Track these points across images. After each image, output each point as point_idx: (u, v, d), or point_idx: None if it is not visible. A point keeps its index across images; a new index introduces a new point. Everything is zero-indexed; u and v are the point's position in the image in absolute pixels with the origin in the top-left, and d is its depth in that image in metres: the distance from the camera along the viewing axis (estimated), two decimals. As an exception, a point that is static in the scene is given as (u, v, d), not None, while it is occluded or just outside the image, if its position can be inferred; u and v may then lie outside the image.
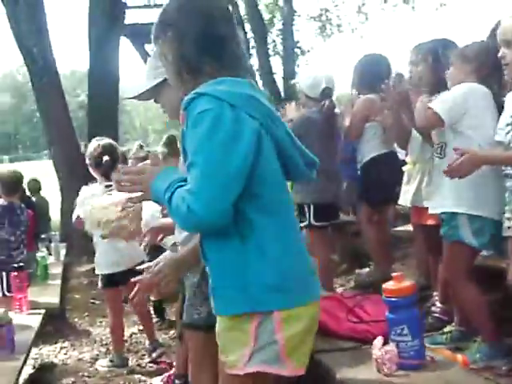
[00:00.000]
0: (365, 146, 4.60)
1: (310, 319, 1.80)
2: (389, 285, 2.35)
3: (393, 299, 2.32)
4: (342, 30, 21.22)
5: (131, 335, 4.98)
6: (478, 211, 2.96)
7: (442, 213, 3.11)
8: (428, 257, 4.00)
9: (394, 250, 5.32)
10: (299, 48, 18.44)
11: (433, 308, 3.69)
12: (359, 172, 4.77)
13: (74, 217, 4.40)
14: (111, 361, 4.41)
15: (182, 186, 1.73)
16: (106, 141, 4.52)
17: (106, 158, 4.28)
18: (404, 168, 4.01)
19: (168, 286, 2.34)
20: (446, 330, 3.42)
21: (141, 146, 6.85)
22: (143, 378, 4.19)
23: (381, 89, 3.75)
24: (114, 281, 4.38)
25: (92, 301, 6.52)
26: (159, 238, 2.73)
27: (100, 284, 4.48)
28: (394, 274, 2.38)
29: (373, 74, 4.53)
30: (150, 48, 12.56)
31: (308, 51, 19.55)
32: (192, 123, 1.73)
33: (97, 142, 4.46)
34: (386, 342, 2.33)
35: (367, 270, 5.05)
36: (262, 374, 1.78)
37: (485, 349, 3.02)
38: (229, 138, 1.69)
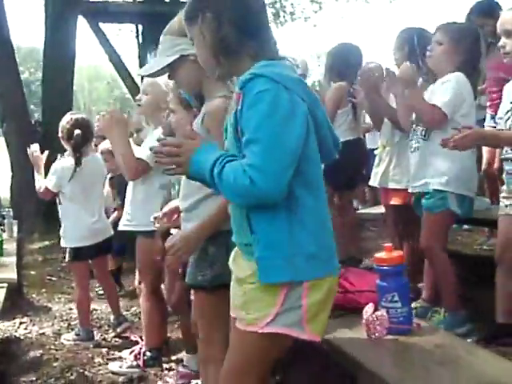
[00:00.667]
0: (336, 132, 4.71)
1: (329, 289, 1.90)
2: (380, 254, 2.47)
3: (384, 268, 2.43)
4: (295, 18, 21.31)
5: (92, 311, 4.98)
6: (463, 191, 3.25)
7: (425, 190, 3.33)
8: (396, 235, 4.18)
9: (363, 231, 5.48)
10: (253, 34, 18.49)
11: None
12: None
13: (40, 186, 4.38)
14: (77, 334, 4.41)
15: (232, 160, 1.79)
16: (79, 115, 4.53)
17: (77, 131, 4.28)
18: (376, 151, 4.15)
19: (181, 258, 2.47)
20: (413, 305, 3.60)
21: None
22: (111, 351, 4.21)
23: (354, 76, 3.96)
24: (81, 254, 4.38)
25: (49, 277, 6.48)
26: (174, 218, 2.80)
27: (67, 257, 4.46)
28: (385, 245, 2.49)
29: (345, 62, 4.65)
30: (105, 27, 12.40)
31: (261, 38, 19.61)
32: (250, 102, 1.78)
33: (70, 116, 4.45)
34: (376, 309, 2.43)
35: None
36: (279, 337, 1.86)
37: (448, 318, 3.25)
38: (287, 117, 1.76)
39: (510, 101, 3.11)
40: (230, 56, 1.93)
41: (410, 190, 3.54)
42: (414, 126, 3.46)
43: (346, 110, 4.67)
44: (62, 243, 4.49)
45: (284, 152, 1.75)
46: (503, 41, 3.07)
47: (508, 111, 3.11)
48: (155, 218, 2.94)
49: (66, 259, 4.53)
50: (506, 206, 3.13)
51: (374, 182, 4.11)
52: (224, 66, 1.96)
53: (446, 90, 3.27)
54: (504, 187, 3.16)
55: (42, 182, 4.39)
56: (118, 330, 4.50)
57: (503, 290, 3.20)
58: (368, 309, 2.44)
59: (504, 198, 3.16)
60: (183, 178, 2.56)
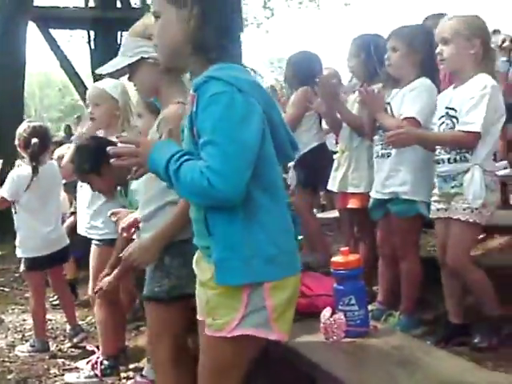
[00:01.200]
0: (303, 136, 4.74)
1: (293, 288, 1.93)
2: (337, 258, 2.50)
3: (341, 271, 2.46)
4: (247, 24, 21.41)
5: (47, 321, 4.90)
6: (427, 198, 3.34)
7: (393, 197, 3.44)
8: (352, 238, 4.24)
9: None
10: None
11: None
12: (298, 160, 4.94)
13: None
14: (32, 346, 4.35)
15: (189, 159, 1.79)
16: (37, 123, 4.49)
17: (34, 140, 4.23)
18: (335, 156, 4.19)
19: (139, 268, 2.49)
20: (369, 308, 3.66)
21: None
22: (67, 361, 4.16)
23: (315, 84, 4.00)
24: (37, 264, 4.32)
25: (1, 288, 6.37)
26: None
27: (22, 267, 4.40)
28: (341, 249, 2.52)
29: (306, 70, 4.66)
30: (56, 33, 12.24)
31: (214, 44, 19.63)
32: (205, 104, 1.78)
33: (27, 124, 4.41)
34: (333, 313, 2.46)
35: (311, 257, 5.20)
36: (248, 338, 1.87)
37: (403, 320, 3.33)
38: (243, 119, 1.76)
39: (444, 106, 3.21)
40: (204, 55, 1.91)
41: (374, 196, 3.58)
42: (380, 132, 3.51)
43: (313, 113, 4.70)
44: (18, 253, 4.42)
45: (241, 154, 1.75)
46: (440, 48, 3.17)
47: (442, 117, 3.21)
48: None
49: (21, 269, 4.47)
50: (438, 209, 3.22)
51: (332, 186, 4.14)
52: (196, 63, 1.94)
53: (416, 97, 3.36)
54: (435, 190, 3.24)
55: None
56: (75, 340, 4.45)
57: (448, 291, 3.29)
58: (326, 312, 2.47)
59: (435, 201, 3.24)
60: (142, 185, 2.56)
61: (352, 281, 2.46)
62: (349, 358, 2.26)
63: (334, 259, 2.52)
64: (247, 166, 1.77)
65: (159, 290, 2.47)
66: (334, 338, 2.40)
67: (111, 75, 2.69)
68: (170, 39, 1.96)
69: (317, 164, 4.53)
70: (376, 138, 3.58)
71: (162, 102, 2.57)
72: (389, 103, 3.49)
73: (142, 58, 2.48)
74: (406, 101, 3.37)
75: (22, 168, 4.38)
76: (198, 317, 2.08)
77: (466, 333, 3.19)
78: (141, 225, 2.60)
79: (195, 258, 2.08)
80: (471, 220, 3.06)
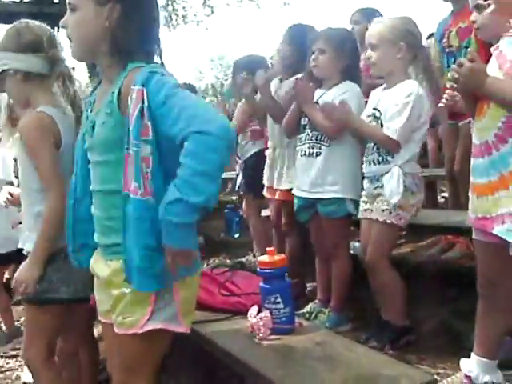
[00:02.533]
0: (245, 144, 4.82)
1: (196, 286, 2.06)
2: (263, 258, 2.55)
3: (267, 270, 2.51)
4: (187, 22, 21.30)
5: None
6: (356, 196, 3.42)
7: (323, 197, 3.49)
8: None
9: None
10: (144, 37, 18.33)
11: None
12: (242, 166, 4.99)
13: None
14: None
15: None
16: None
17: None
18: (266, 152, 4.24)
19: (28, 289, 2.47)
20: (309, 308, 3.73)
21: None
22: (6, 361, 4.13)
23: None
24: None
25: None
26: None
27: None
28: (267, 249, 2.57)
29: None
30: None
31: (153, 41, 19.45)
32: (155, 87, 1.81)
33: None
34: (259, 311, 2.51)
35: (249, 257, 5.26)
36: (158, 333, 1.94)
37: (333, 317, 3.41)
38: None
39: (373, 107, 3.29)
40: (125, 54, 1.93)
41: (300, 195, 3.62)
42: (308, 130, 3.57)
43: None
44: None
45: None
46: (369, 53, 3.26)
47: (368, 116, 3.30)
48: None
49: None
50: (365, 210, 3.30)
51: (269, 182, 4.18)
52: (116, 63, 1.95)
53: (347, 100, 3.40)
54: (364, 192, 3.33)
55: None
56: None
57: (372, 290, 3.37)
58: (252, 310, 2.52)
59: (363, 201, 3.33)
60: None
61: (277, 279, 2.51)
62: (274, 356, 2.31)
63: (259, 258, 2.57)
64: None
65: (33, 293, 2.52)
66: (261, 335, 2.45)
67: None
68: (85, 35, 1.95)
69: (257, 169, 4.57)
70: (302, 136, 3.61)
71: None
72: (316, 103, 3.55)
73: (3, 70, 2.53)
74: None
75: None
76: (101, 319, 2.13)
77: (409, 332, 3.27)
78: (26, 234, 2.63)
79: (93, 258, 2.11)
80: (388, 221, 3.15)
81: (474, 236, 2.50)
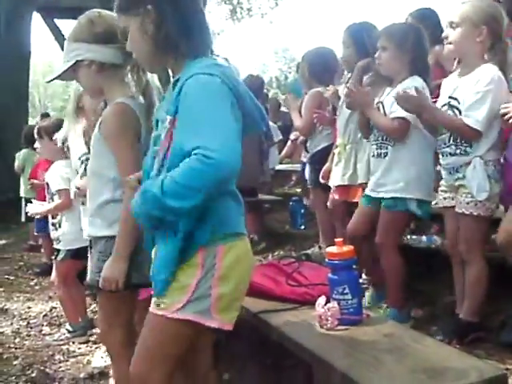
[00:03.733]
0: (317, 136, 4.81)
1: (236, 283, 2.03)
2: (331, 249, 2.57)
3: (335, 262, 2.54)
4: (252, 15, 21.42)
5: (51, 309, 5.01)
6: (423, 196, 3.42)
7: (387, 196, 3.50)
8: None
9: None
10: (210, 30, 18.49)
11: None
12: (310, 160, 4.98)
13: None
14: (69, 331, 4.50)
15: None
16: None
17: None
18: (335, 150, 4.24)
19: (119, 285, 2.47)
20: (367, 295, 3.75)
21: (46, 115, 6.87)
22: (71, 348, 4.24)
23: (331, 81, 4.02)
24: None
25: (6, 277, 6.45)
26: None
27: (62, 257, 4.39)
28: (336, 240, 2.60)
29: (323, 67, 4.73)
30: (61, 23, 12.26)
31: (218, 34, 19.63)
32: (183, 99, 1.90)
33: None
34: (327, 301, 2.54)
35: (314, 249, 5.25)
36: (188, 323, 1.98)
37: (391, 313, 3.40)
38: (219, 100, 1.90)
39: (448, 95, 3.23)
40: (167, 51, 2.02)
41: (371, 195, 3.62)
42: (375, 131, 3.56)
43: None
44: (63, 245, 4.40)
45: (225, 124, 1.87)
46: (447, 31, 3.21)
47: (444, 105, 3.23)
48: None
49: (60, 258, 4.42)
50: (445, 198, 3.30)
51: (340, 181, 4.19)
52: (160, 60, 2.07)
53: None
54: (442, 181, 3.33)
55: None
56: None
57: (459, 284, 3.35)
58: (320, 301, 2.55)
59: (442, 191, 3.33)
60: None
61: (346, 270, 2.53)
62: (342, 346, 2.33)
63: (328, 249, 2.59)
64: (233, 132, 1.88)
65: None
66: (328, 325, 2.47)
67: (62, 79, 2.75)
68: (141, 51, 2.09)
69: (325, 162, 4.61)
70: (371, 137, 3.62)
71: (108, 102, 2.64)
72: (381, 102, 3.53)
73: (77, 61, 2.55)
74: None
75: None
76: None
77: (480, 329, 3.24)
78: (89, 219, 2.67)
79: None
80: (475, 213, 3.10)
81: None
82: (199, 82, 1.89)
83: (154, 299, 2.05)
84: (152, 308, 2.04)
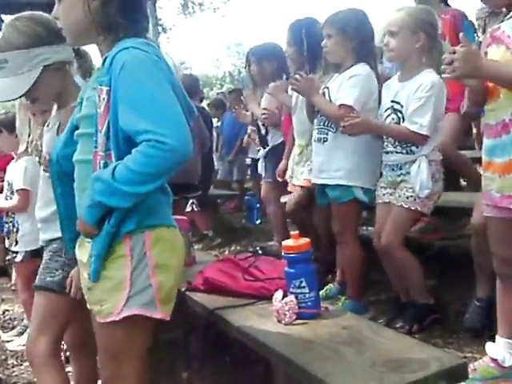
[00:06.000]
0: (272, 131, 4.79)
1: (175, 273, 2.02)
2: (287, 242, 2.53)
3: (292, 255, 2.49)
4: (203, 9, 21.32)
5: (4, 312, 4.88)
6: (366, 184, 3.46)
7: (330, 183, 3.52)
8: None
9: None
10: (161, 25, 18.35)
11: None
12: (269, 153, 4.94)
13: None
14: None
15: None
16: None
17: None
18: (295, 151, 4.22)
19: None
20: (326, 288, 3.75)
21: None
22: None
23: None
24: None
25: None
26: None
27: (22, 258, 4.25)
28: (292, 233, 2.55)
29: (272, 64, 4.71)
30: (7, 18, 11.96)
31: (170, 29, 19.51)
32: (120, 74, 1.84)
33: None
34: (285, 295, 2.50)
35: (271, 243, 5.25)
36: (138, 318, 1.93)
37: (350, 305, 3.41)
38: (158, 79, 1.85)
39: (390, 99, 3.27)
40: (106, 33, 1.98)
41: (314, 181, 3.63)
42: (319, 116, 3.55)
43: None
44: (21, 247, 4.28)
45: (169, 104, 1.84)
46: (387, 39, 3.27)
47: (387, 109, 3.27)
48: None
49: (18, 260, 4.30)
50: (384, 194, 3.35)
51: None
52: (91, 39, 2.04)
53: (354, 85, 3.40)
54: (383, 178, 3.38)
55: None
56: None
57: (389, 274, 3.40)
58: (277, 295, 2.50)
59: (382, 187, 3.37)
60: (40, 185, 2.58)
61: (302, 264, 2.48)
62: (301, 340, 2.28)
63: (284, 243, 2.55)
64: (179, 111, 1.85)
65: (51, 280, 2.52)
66: (286, 320, 2.43)
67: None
68: (74, 21, 2.01)
69: (281, 157, 4.60)
70: (315, 121, 3.60)
71: (60, 104, 2.59)
72: (327, 87, 3.52)
73: (45, 66, 2.44)
74: (344, 87, 3.41)
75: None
76: (89, 306, 2.11)
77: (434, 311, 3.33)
78: (39, 225, 2.63)
79: (78, 241, 2.11)
80: (413, 207, 3.17)
81: (486, 214, 2.49)
82: (136, 58, 1.85)
83: (94, 308, 2.00)
84: (98, 318, 1.98)
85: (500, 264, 2.51)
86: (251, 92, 5.14)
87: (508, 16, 2.36)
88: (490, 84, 2.38)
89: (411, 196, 3.18)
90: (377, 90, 3.47)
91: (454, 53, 2.25)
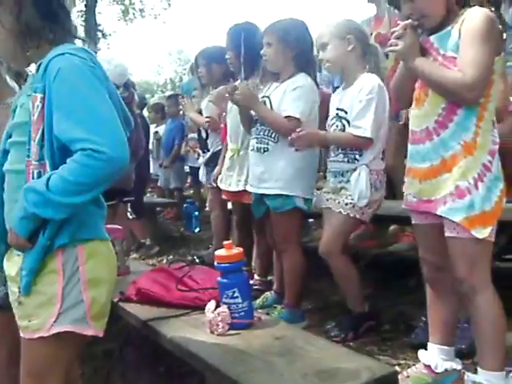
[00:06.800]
0: (213, 137, 4.76)
1: (107, 289, 1.96)
2: (220, 252, 2.50)
3: (224, 265, 2.46)
4: (144, 15, 21.18)
5: None
6: (305, 194, 3.44)
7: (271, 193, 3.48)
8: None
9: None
10: (101, 31, 18.13)
11: (251, 282, 4.00)
12: (210, 159, 4.92)
13: None
14: None
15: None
16: None
17: None
18: (226, 155, 4.20)
19: None
20: (262, 296, 3.74)
21: None
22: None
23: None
24: None
25: None
26: None
27: None
28: (224, 243, 2.52)
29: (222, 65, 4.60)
30: None
31: (110, 35, 19.29)
32: (55, 80, 1.77)
33: None
34: (217, 306, 2.46)
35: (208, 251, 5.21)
36: (68, 335, 1.86)
37: (287, 314, 3.40)
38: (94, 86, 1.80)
39: (335, 107, 3.29)
40: (32, 41, 1.90)
41: (252, 191, 3.61)
42: (258, 125, 3.52)
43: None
44: None
45: (105, 111, 1.79)
46: (321, 54, 3.32)
47: (333, 118, 3.29)
48: None
49: None
50: (328, 199, 3.33)
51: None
52: (25, 52, 1.93)
53: (299, 97, 3.38)
54: (326, 183, 3.40)
55: None
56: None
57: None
58: (210, 306, 2.47)
59: (325, 192, 3.37)
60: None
61: (235, 274, 2.46)
62: (233, 352, 2.25)
63: (216, 253, 2.52)
64: (115, 119, 1.79)
65: None
66: (219, 331, 2.40)
67: None
68: (3, 46, 1.95)
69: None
70: (253, 130, 3.58)
71: None
72: (268, 97, 3.51)
73: None
74: (289, 99, 3.39)
75: None
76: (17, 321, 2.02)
77: (369, 319, 3.33)
78: None
79: (7, 254, 2.03)
80: (351, 215, 3.19)
81: (413, 221, 2.52)
82: (72, 64, 1.79)
83: (22, 323, 1.92)
84: (24, 334, 1.91)
85: (429, 270, 2.54)
86: (199, 94, 5.13)
87: (435, 30, 2.39)
88: (417, 91, 2.42)
89: (350, 203, 3.19)
90: (317, 102, 3.47)
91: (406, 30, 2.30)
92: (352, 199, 3.18)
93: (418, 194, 2.42)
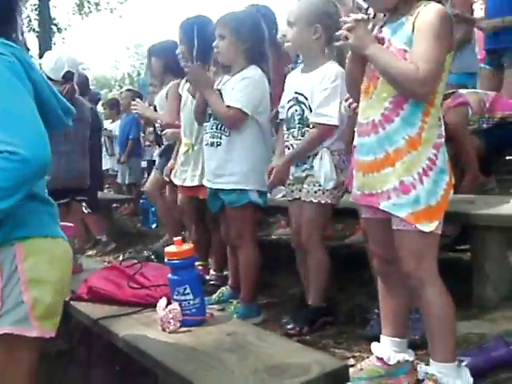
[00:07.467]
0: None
1: (52, 289, 1.88)
2: (170, 248, 2.46)
3: (175, 261, 2.43)
4: (100, 9, 20.90)
5: None
6: (259, 187, 3.43)
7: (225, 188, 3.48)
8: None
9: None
10: (56, 25, 17.85)
11: (207, 277, 3.98)
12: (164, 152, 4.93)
13: None
14: None
15: None
16: None
17: None
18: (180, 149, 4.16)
19: None
20: (218, 292, 3.72)
21: None
22: None
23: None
24: None
25: None
26: None
27: None
28: (174, 239, 2.49)
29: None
30: None
31: (65, 29, 19.01)
32: None
33: None
34: (169, 303, 2.43)
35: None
36: (14, 338, 1.80)
37: (243, 309, 3.39)
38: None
39: (294, 90, 3.26)
40: None
41: (206, 185, 3.59)
42: (212, 119, 3.49)
43: None
44: None
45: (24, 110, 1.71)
46: (286, 29, 3.28)
47: (290, 100, 3.26)
48: None
49: None
50: (292, 191, 3.34)
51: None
52: None
53: (245, 87, 3.34)
54: (290, 177, 3.36)
55: None
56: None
57: (306, 273, 3.36)
58: (161, 303, 2.44)
59: (289, 184, 3.36)
60: None
61: (186, 270, 2.43)
62: (185, 349, 2.22)
63: (167, 249, 2.48)
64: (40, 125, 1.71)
65: None
66: (171, 328, 2.37)
67: None
68: None
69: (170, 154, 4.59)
70: (207, 125, 3.54)
71: None
72: (219, 90, 3.48)
73: None
74: (236, 90, 3.36)
75: None
76: None
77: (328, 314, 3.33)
78: None
79: None
80: (323, 201, 3.18)
81: (363, 215, 2.53)
82: None
83: None
84: None
85: (379, 263, 2.54)
86: (157, 88, 5.09)
87: (389, 20, 2.38)
88: (366, 83, 2.41)
89: (319, 190, 3.18)
90: (268, 94, 3.45)
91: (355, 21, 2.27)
92: (320, 185, 3.17)
93: (361, 187, 2.41)
